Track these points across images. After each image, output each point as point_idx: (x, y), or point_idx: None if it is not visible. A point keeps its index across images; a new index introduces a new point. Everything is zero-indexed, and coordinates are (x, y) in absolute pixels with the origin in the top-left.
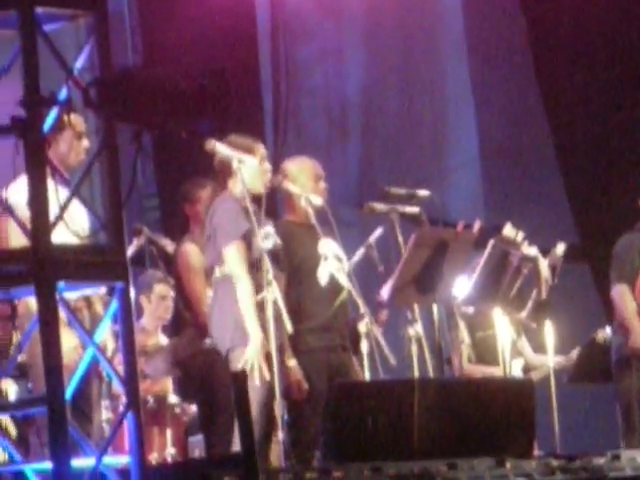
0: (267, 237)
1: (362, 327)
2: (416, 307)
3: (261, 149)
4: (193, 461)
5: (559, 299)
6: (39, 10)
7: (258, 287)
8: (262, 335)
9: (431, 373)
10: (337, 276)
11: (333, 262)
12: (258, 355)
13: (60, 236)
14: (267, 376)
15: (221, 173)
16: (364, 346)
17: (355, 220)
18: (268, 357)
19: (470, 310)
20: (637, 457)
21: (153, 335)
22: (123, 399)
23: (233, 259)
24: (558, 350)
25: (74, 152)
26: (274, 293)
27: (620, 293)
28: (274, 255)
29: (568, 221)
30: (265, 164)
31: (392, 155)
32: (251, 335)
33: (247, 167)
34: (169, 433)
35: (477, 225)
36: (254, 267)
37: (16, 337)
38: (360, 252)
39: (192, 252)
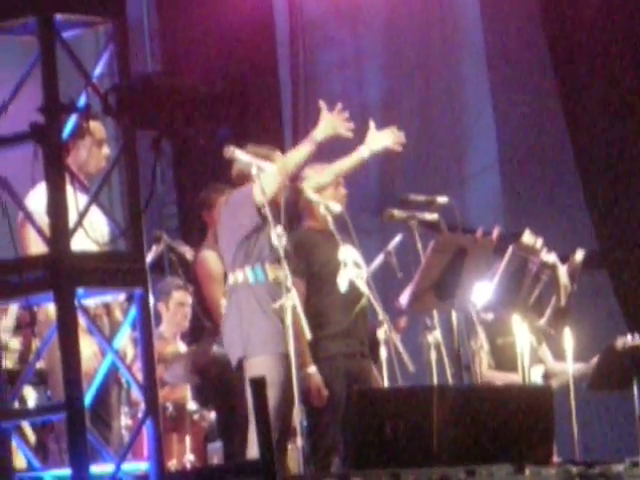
0: (279, 237)
1: (381, 334)
2: (435, 314)
3: (279, 156)
4: (212, 468)
5: (578, 306)
6: (58, 17)
7: (275, 292)
8: None
9: (450, 380)
10: (356, 283)
11: (352, 269)
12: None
13: (79, 243)
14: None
15: (239, 180)
16: (383, 353)
17: (374, 227)
18: (288, 363)
19: (489, 316)
20: None
21: (171, 342)
22: (142, 406)
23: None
24: (577, 357)
25: (94, 159)
26: (293, 300)
27: None
28: (285, 255)
29: (587, 227)
30: (284, 171)
31: (411, 162)
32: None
33: (266, 174)
34: (188, 440)
35: (496, 231)
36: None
37: (35, 344)
38: (379, 259)
39: (211, 259)
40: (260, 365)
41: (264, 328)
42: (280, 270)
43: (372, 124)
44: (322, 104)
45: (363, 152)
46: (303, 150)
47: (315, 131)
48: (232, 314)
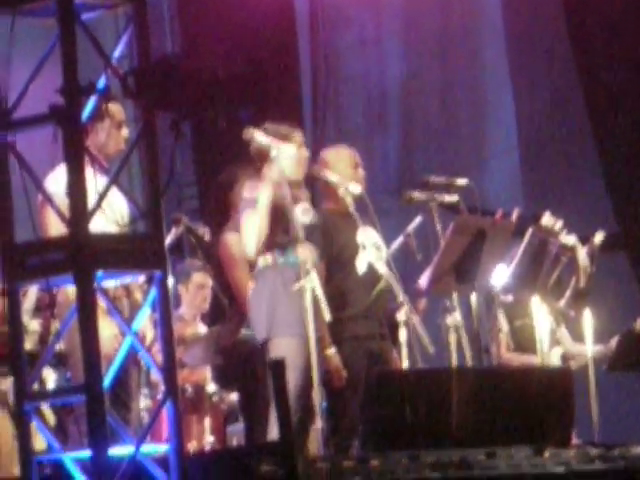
0: (305, 212)
1: (401, 316)
2: (455, 296)
3: (298, 136)
4: (231, 449)
5: (598, 287)
6: None
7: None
8: None
9: (469, 362)
10: (376, 265)
11: (372, 251)
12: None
13: (99, 225)
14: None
15: (258, 161)
16: (402, 335)
17: (394, 209)
18: (307, 344)
19: (509, 298)
20: None
21: (191, 324)
22: (161, 388)
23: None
24: (597, 339)
25: (113, 141)
26: (313, 282)
27: None
28: (310, 231)
29: (607, 209)
30: (303, 151)
31: (431, 143)
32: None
33: (285, 155)
34: (207, 422)
35: (516, 213)
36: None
37: (55, 326)
38: (399, 241)
39: (233, 241)
40: (283, 347)
41: (288, 309)
42: (307, 250)
43: None
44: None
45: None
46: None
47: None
48: (259, 296)
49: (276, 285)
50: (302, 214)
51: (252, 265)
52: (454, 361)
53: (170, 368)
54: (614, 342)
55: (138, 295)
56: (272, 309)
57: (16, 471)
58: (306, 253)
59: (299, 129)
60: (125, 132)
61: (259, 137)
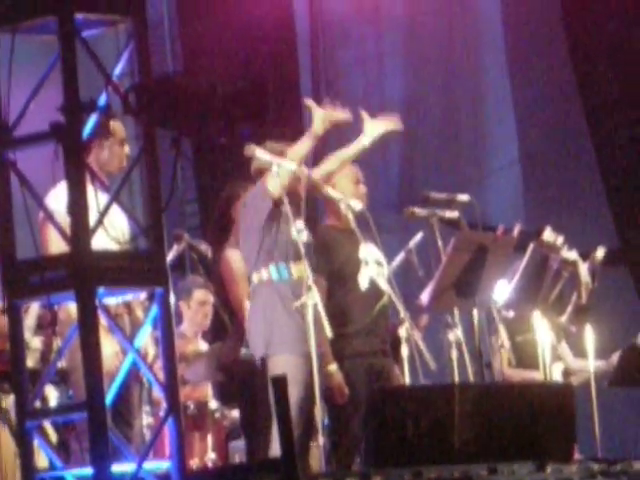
0: (300, 231)
1: (402, 332)
2: (456, 311)
3: None
4: (233, 466)
5: (599, 303)
6: (78, 16)
7: (301, 291)
8: None
9: (471, 377)
10: (377, 281)
11: (373, 267)
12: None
13: (100, 242)
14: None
15: (258, 177)
16: (404, 351)
17: (395, 225)
18: (309, 361)
19: (510, 314)
20: None
21: (193, 341)
22: (163, 404)
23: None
24: (598, 354)
25: (116, 158)
26: (314, 298)
27: None
28: (308, 249)
29: (608, 225)
30: (302, 168)
31: (432, 160)
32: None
33: (285, 171)
34: (210, 438)
35: (517, 229)
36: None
37: (56, 343)
38: (400, 257)
39: (234, 258)
40: (283, 364)
41: (286, 327)
42: (302, 267)
43: (364, 114)
44: (309, 102)
45: (364, 141)
46: (304, 144)
47: (312, 127)
48: (256, 313)
49: (274, 301)
50: (297, 233)
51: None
52: (456, 377)
53: (172, 385)
54: (615, 358)
55: (139, 312)
56: (269, 326)
57: None
58: (304, 270)
59: None
60: (127, 149)
61: (260, 154)
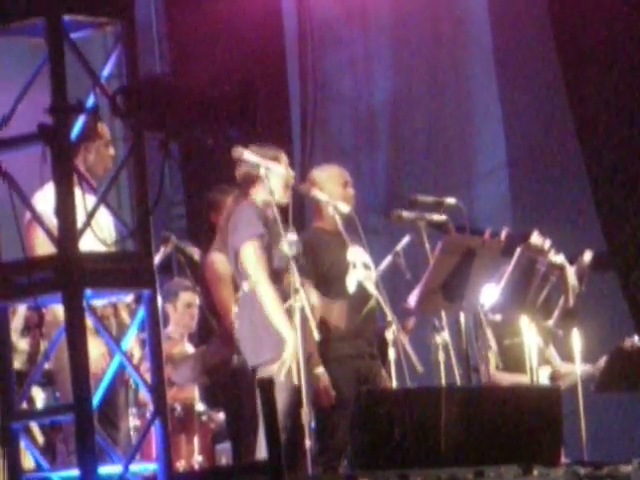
0: (291, 245)
1: (389, 335)
2: (443, 315)
3: (284, 157)
4: (220, 469)
5: (586, 307)
6: (67, 18)
7: (284, 296)
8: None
9: (458, 381)
10: (365, 284)
11: (361, 270)
12: (294, 355)
13: (87, 243)
14: (296, 380)
15: (244, 182)
16: (391, 354)
17: (382, 228)
18: (296, 364)
19: (497, 318)
20: None
21: (179, 343)
22: (150, 407)
23: (249, 259)
24: (585, 358)
25: (104, 161)
26: (301, 301)
27: None
28: (297, 263)
29: (595, 229)
30: (290, 171)
31: (420, 163)
32: (285, 335)
33: (274, 175)
34: (196, 441)
35: (504, 233)
36: (278, 277)
37: (43, 345)
38: (387, 260)
39: (219, 261)
40: (272, 372)
41: (277, 334)
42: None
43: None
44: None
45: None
46: (277, 319)
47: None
48: (247, 319)
49: (264, 309)
50: (288, 246)
51: (237, 285)
52: (443, 380)
53: (159, 387)
54: (602, 362)
55: (124, 314)
56: (262, 332)
57: None
58: (292, 277)
59: (283, 151)
60: (111, 151)
61: (248, 156)
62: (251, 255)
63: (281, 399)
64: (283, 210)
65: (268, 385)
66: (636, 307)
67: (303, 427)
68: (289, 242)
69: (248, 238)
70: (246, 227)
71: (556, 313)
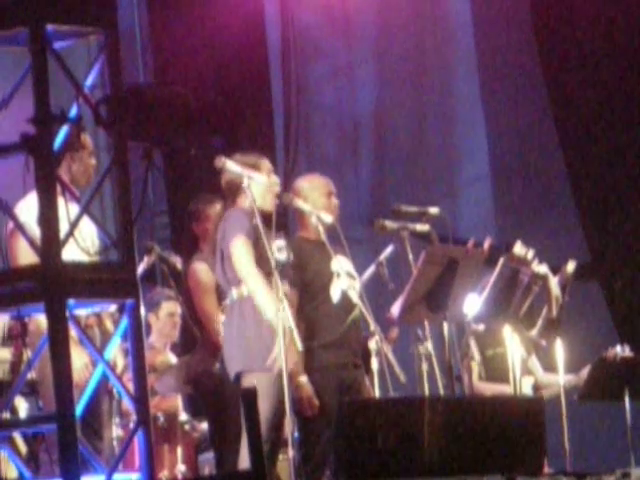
0: (280, 250)
1: (372, 345)
2: (426, 325)
3: (267, 164)
4: (203, 478)
5: (569, 317)
6: (50, 27)
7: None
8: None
9: (441, 391)
10: (349, 293)
11: (345, 279)
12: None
13: (70, 253)
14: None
15: (229, 191)
16: (374, 364)
17: (366, 237)
18: (279, 375)
19: (480, 328)
20: None
21: (162, 353)
22: (133, 417)
23: (237, 252)
24: (568, 368)
25: (86, 170)
26: (285, 310)
27: None
28: (285, 269)
29: (579, 239)
30: (273, 177)
31: (403, 172)
32: (273, 324)
33: (256, 184)
34: (179, 450)
35: (487, 243)
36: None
37: (26, 355)
38: (370, 269)
39: (202, 271)
40: (257, 381)
41: (262, 342)
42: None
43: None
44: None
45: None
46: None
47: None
48: (233, 328)
49: (252, 317)
50: (278, 251)
51: (220, 295)
52: (426, 390)
53: (142, 397)
54: (585, 372)
55: (109, 324)
56: (247, 341)
57: None
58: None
59: (266, 157)
60: (93, 161)
61: (231, 166)
62: (239, 248)
63: (264, 409)
64: (267, 219)
65: (251, 395)
66: (619, 317)
67: (286, 436)
68: (278, 247)
69: (236, 234)
70: (234, 227)
71: (539, 323)
